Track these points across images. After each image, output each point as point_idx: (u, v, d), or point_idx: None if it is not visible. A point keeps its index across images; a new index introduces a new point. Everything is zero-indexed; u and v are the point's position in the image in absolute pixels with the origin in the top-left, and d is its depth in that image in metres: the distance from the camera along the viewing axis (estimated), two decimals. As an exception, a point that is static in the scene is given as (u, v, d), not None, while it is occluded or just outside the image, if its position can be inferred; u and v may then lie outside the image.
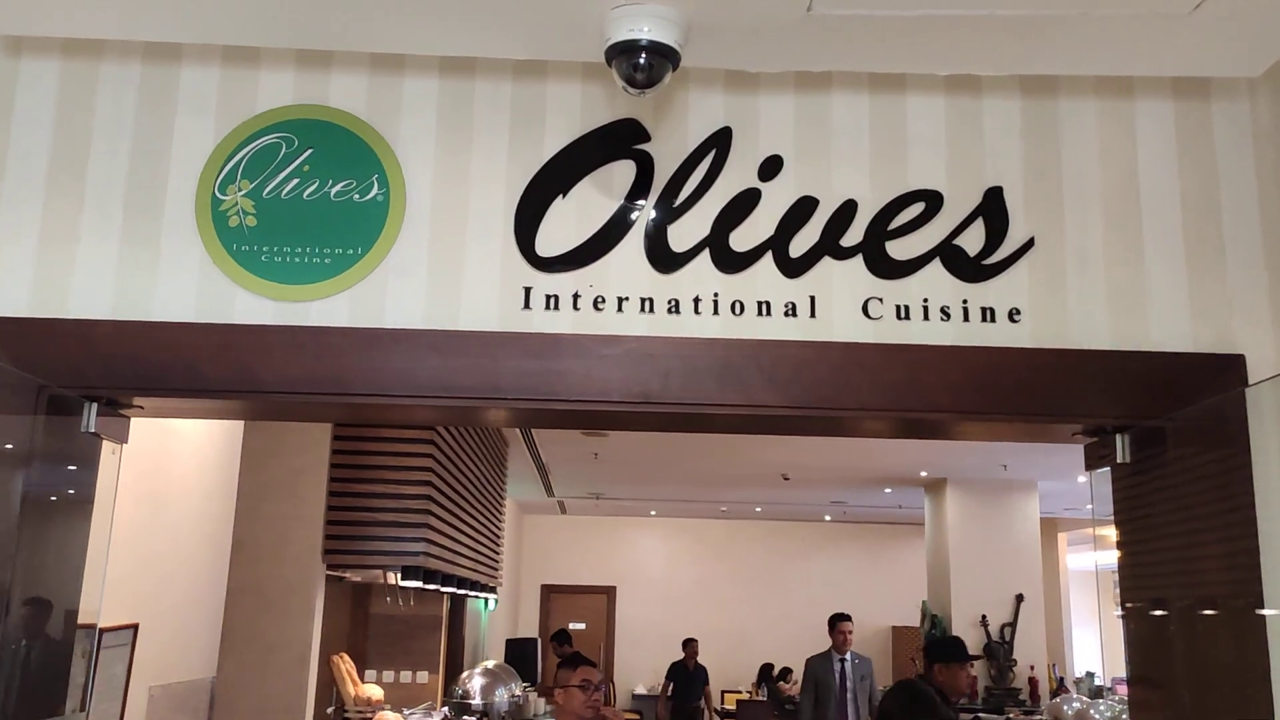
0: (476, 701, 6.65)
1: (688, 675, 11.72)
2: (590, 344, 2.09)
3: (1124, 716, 5.19)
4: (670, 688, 11.71)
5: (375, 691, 4.86)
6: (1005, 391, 2.09)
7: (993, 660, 10.04)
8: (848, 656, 6.97)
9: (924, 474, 10.72)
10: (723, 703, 14.31)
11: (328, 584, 7.51)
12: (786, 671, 14.83)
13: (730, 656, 15.57)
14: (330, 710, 4.84)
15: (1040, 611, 10.79)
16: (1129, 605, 2.22)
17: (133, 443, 2.77)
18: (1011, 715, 9.10)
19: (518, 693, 7.15)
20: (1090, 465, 2.23)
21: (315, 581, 4.70)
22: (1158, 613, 2.12)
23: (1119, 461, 2.10)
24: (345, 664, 4.85)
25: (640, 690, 15.20)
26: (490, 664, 7.57)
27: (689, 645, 11.94)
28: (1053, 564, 14.62)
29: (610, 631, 15.87)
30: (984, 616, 10.24)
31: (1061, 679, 10.77)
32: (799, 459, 10.08)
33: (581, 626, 15.72)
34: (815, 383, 2.09)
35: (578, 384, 2.07)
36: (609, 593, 16.29)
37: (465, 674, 7.03)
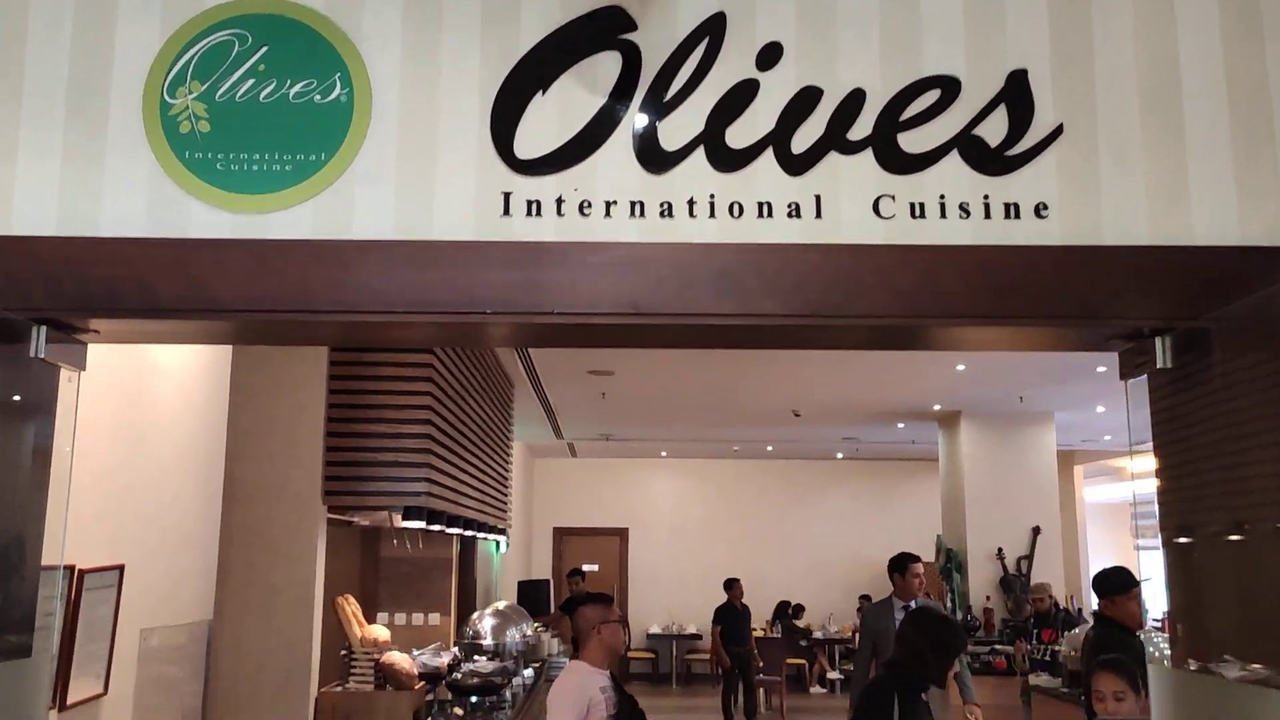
0: (488, 642, 6.60)
1: (736, 616, 11.40)
2: (576, 252, 1.91)
3: (1149, 648, 5.12)
4: (719, 631, 11.38)
5: (382, 632, 4.77)
6: (1032, 294, 1.91)
7: (1009, 593, 9.97)
8: (912, 604, 5.60)
9: (937, 407, 10.56)
10: (716, 637, 14.34)
11: (335, 528, 7.44)
12: (800, 608, 14.86)
13: (747, 595, 15.59)
14: (342, 654, 4.77)
15: (1058, 544, 10.70)
16: (1168, 530, 2.06)
17: (109, 376, 2.63)
18: (1029, 647, 9.04)
19: (529, 633, 7.10)
20: (1126, 374, 2.06)
21: (315, 523, 4.59)
22: (1201, 537, 1.96)
23: (1159, 367, 1.93)
24: (351, 605, 4.76)
25: (655, 629, 15.28)
26: (501, 605, 7.53)
27: (733, 586, 11.60)
28: (1069, 497, 14.51)
29: (623, 573, 15.91)
30: (1000, 550, 10.14)
31: (1080, 611, 10.69)
32: (809, 394, 9.93)
33: (594, 568, 15.73)
34: (822, 289, 1.92)
35: (563, 295, 1.90)
36: (621, 534, 16.30)
37: (476, 614, 6.98)
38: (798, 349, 2.17)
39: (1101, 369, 8.24)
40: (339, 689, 4.61)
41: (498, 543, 11.02)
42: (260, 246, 1.88)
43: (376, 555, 8.64)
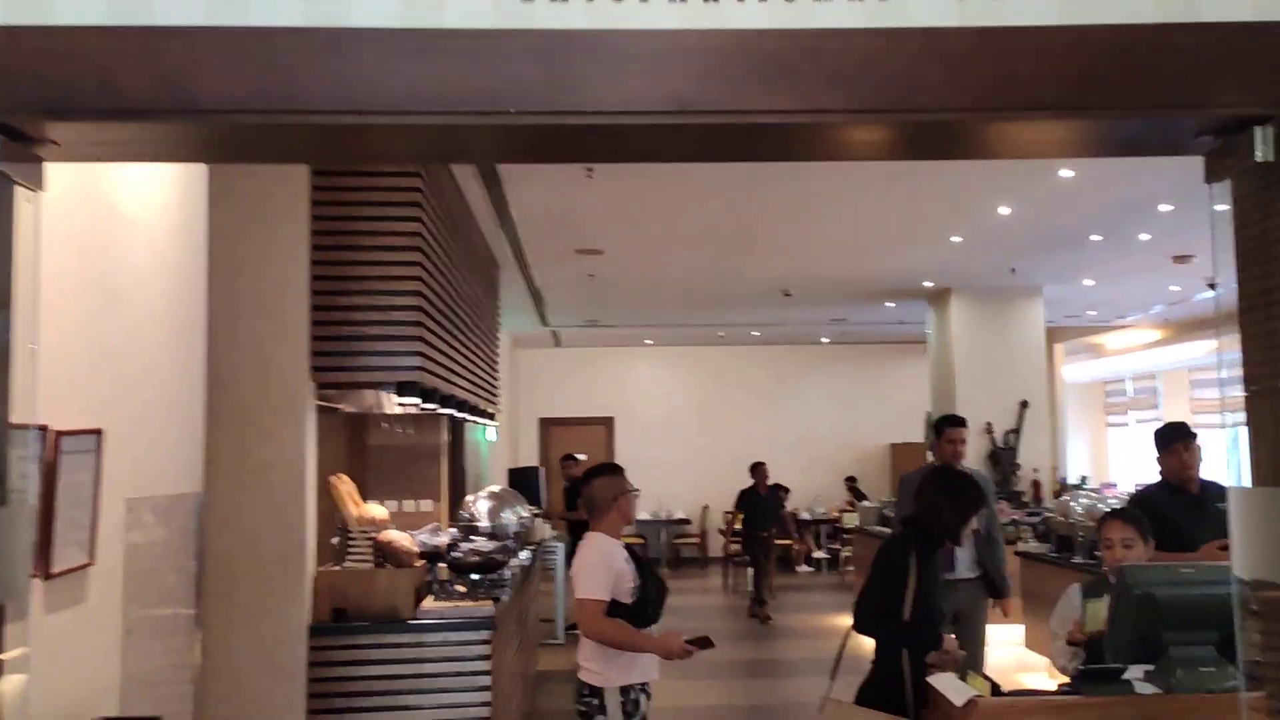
0: (484, 524, 6.51)
1: (760, 502, 11.12)
2: (609, 41, 1.67)
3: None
4: (739, 518, 11.19)
5: (379, 511, 4.63)
6: (1120, 80, 1.69)
7: (997, 466, 10.00)
8: None
9: (928, 284, 10.42)
10: (732, 523, 14.46)
11: (321, 415, 7.24)
12: (787, 491, 14.96)
13: (732, 481, 15.66)
14: (335, 541, 4.63)
15: (1045, 418, 10.73)
16: (1256, 386, 1.85)
17: (70, 223, 2.38)
18: (1015, 517, 9.10)
19: (524, 515, 7.01)
20: (1213, 175, 1.85)
21: (304, 400, 4.40)
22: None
23: (1257, 160, 1.72)
24: (345, 484, 4.60)
25: (643, 516, 15.36)
26: (495, 488, 7.42)
27: (758, 469, 11.30)
28: (1050, 376, 14.56)
29: (610, 460, 15.90)
30: (989, 424, 10.14)
31: (1064, 480, 10.78)
32: (800, 272, 9.74)
33: (583, 458, 15.73)
34: (886, 79, 1.69)
35: (594, 92, 1.66)
36: (607, 424, 16.28)
37: (470, 497, 6.87)
38: (854, 158, 1.94)
39: (1095, 237, 8.08)
40: (337, 569, 4.48)
41: (485, 430, 10.90)
42: (241, 35, 1.62)
43: (364, 444, 8.47)
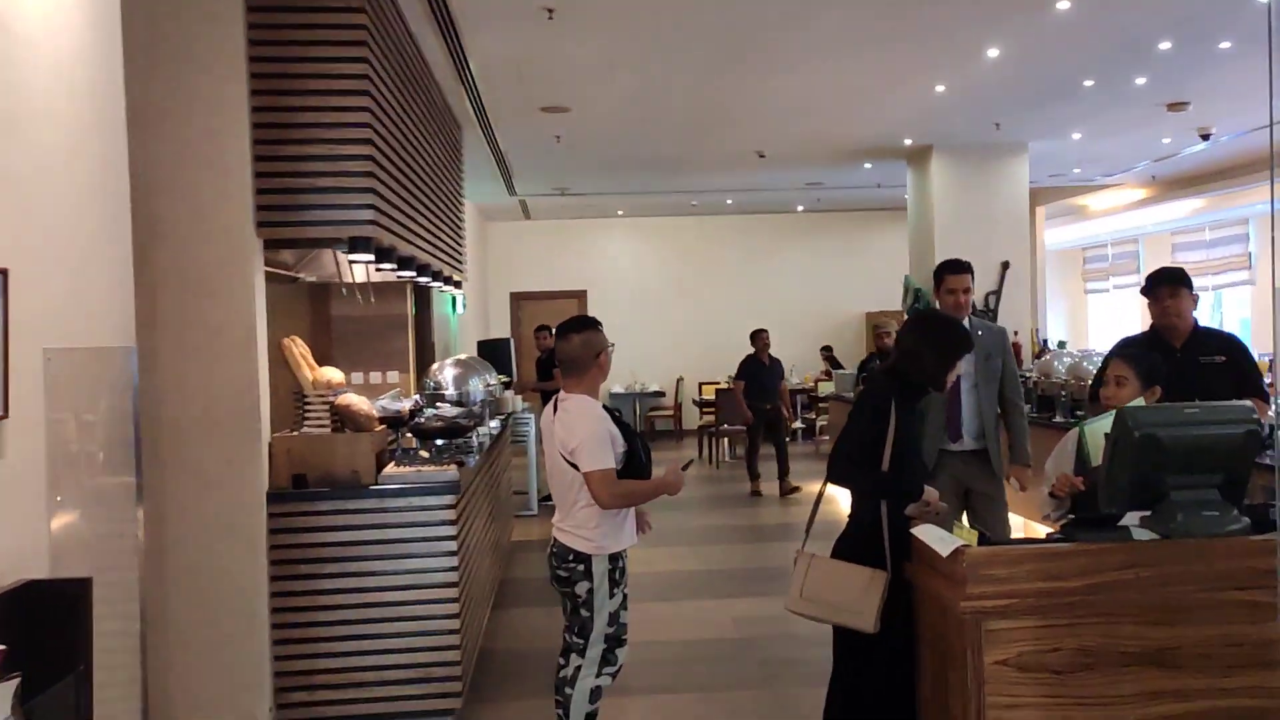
0: (450, 392, 6.31)
1: (762, 370, 10.46)
2: None
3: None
4: (743, 386, 10.44)
5: (335, 374, 4.42)
6: None
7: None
8: (965, 324, 4.31)
9: (908, 142, 10.09)
10: (701, 394, 14.42)
11: (280, 284, 6.95)
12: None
13: (707, 352, 15.59)
14: (295, 400, 4.42)
15: (1026, 280, 10.58)
16: None
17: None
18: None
19: (492, 383, 6.83)
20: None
21: (251, 257, 4.12)
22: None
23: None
24: (298, 347, 4.37)
25: (617, 389, 15.31)
26: (463, 356, 7.21)
27: (759, 336, 10.62)
28: (1031, 239, 14.36)
29: (584, 334, 15.70)
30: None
31: (1045, 341, 10.70)
32: (776, 133, 9.37)
33: (554, 329, 15.52)
34: None
35: None
36: (579, 297, 16.03)
37: (436, 365, 6.66)
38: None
39: (1088, 83, 7.75)
40: (294, 434, 4.28)
41: (454, 301, 10.65)
42: None
43: (327, 315, 8.23)
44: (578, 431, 3.62)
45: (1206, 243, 15.67)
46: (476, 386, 6.44)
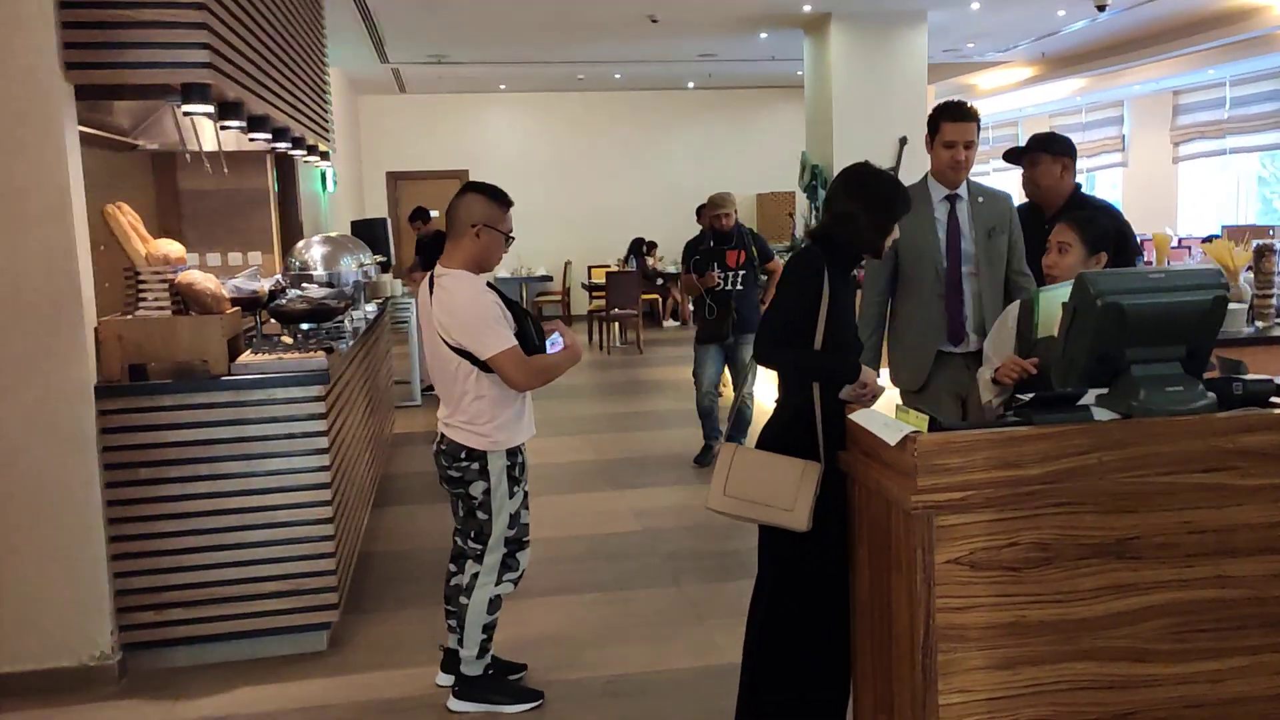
0: (319, 272, 5.69)
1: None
2: None
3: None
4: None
5: (173, 248, 3.77)
6: None
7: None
8: (962, 192, 3.55)
9: (807, 9, 9.57)
10: (590, 277, 13.94)
11: (120, 154, 6.10)
12: (653, 245, 14.46)
13: (596, 234, 15.07)
14: (128, 299, 3.75)
15: (924, 156, 10.29)
16: None
17: None
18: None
19: (367, 263, 6.21)
20: None
21: (58, 106, 3.41)
22: None
23: None
24: (125, 215, 3.70)
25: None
26: (333, 234, 6.55)
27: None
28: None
29: (466, 217, 14.96)
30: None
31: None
32: (670, -6, 8.73)
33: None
34: None
35: None
36: (461, 176, 15.19)
37: (302, 243, 6.00)
38: None
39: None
40: (127, 318, 3.66)
41: (324, 177, 9.82)
42: None
43: (175, 188, 7.39)
44: (462, 314, 3.15)
45: (1083, 125, 15.77)
46: (349, 266, 5.83)
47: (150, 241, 3.75)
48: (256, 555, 3.69)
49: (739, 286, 6.35)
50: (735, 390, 6.38)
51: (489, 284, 3.28)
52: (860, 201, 2.81)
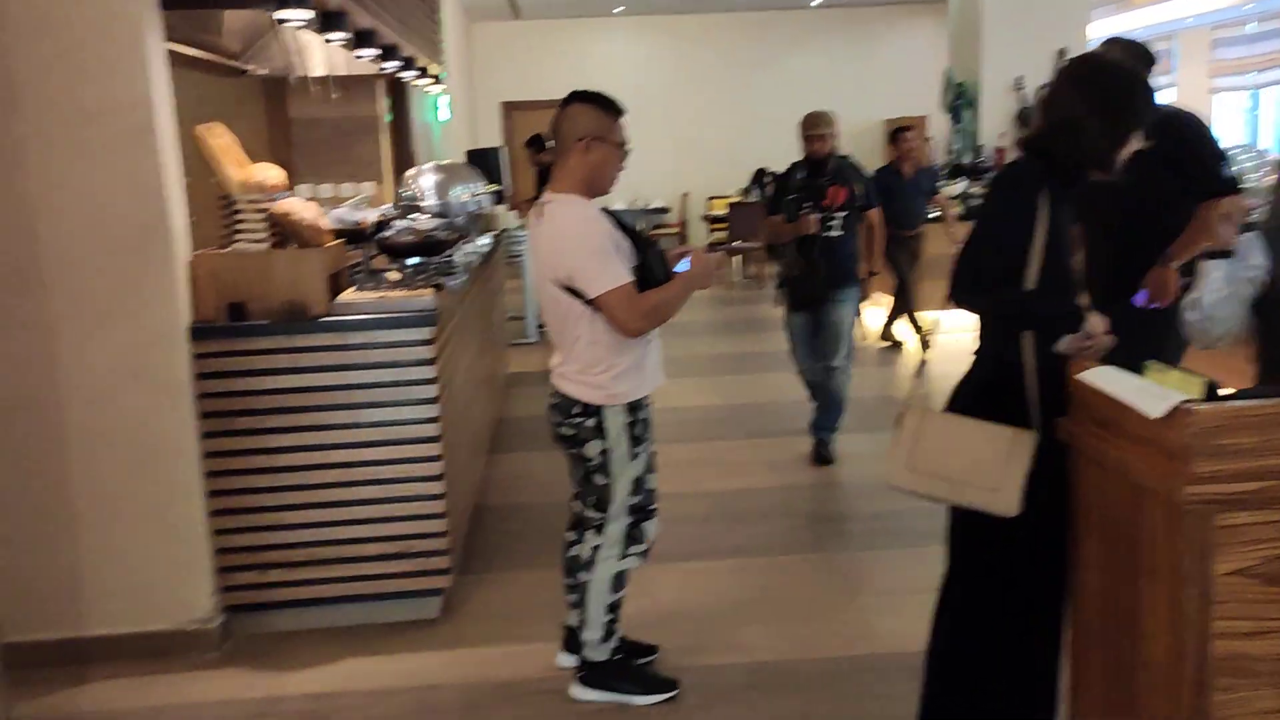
0: (429, 202, 5.31)
1: (903, 185, 7.25)
2: None
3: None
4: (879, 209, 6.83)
5: (271, 173, 3.40)
6: None
7: (1027, 128, 8.72)
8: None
9: (956, -91, 8.66)
10: (710, 209, 13.34)
11: (228, 80, 5.80)
12: (775, 175, 13.74)
13: (715, 165, 14.42)
14: (223, 231, 3.38)
15: (1083, 71, 9.32)
16: None
17: None
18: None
19: (481, 193, 5.80)
20: None
21: (141, 13, 3.04)
22: None
23: None
24: (219, 137, 3.34)
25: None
26: (445, 162, 6.15)
27: (900, 137, 7.43)
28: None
29: (581, 148, 14.48)
30: (1019, 79, 8.75)
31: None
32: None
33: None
34: None
35: None
36: (577, 106, 14.69)
37: (412, 171, 5.62)
38: None
39: None
40: (222, 252, 3.32)
41: (435, 105, 9.46)
42: None
43: (285, 117, 7.12)
44: (569, 245, 2.69)
45: (1248, 38, 14.25)
46: (462, 195, 5.43)
47: (246, 166, 3.39)
48: (361, 514, 3.36)
49: (839, 232, 4.91)
50: (824, 366, 5.01)
51: (605, 211, 2.81)
52: (1090, 103, 2.21)
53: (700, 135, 14.62)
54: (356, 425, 3.32)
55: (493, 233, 6.91)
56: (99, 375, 3.15)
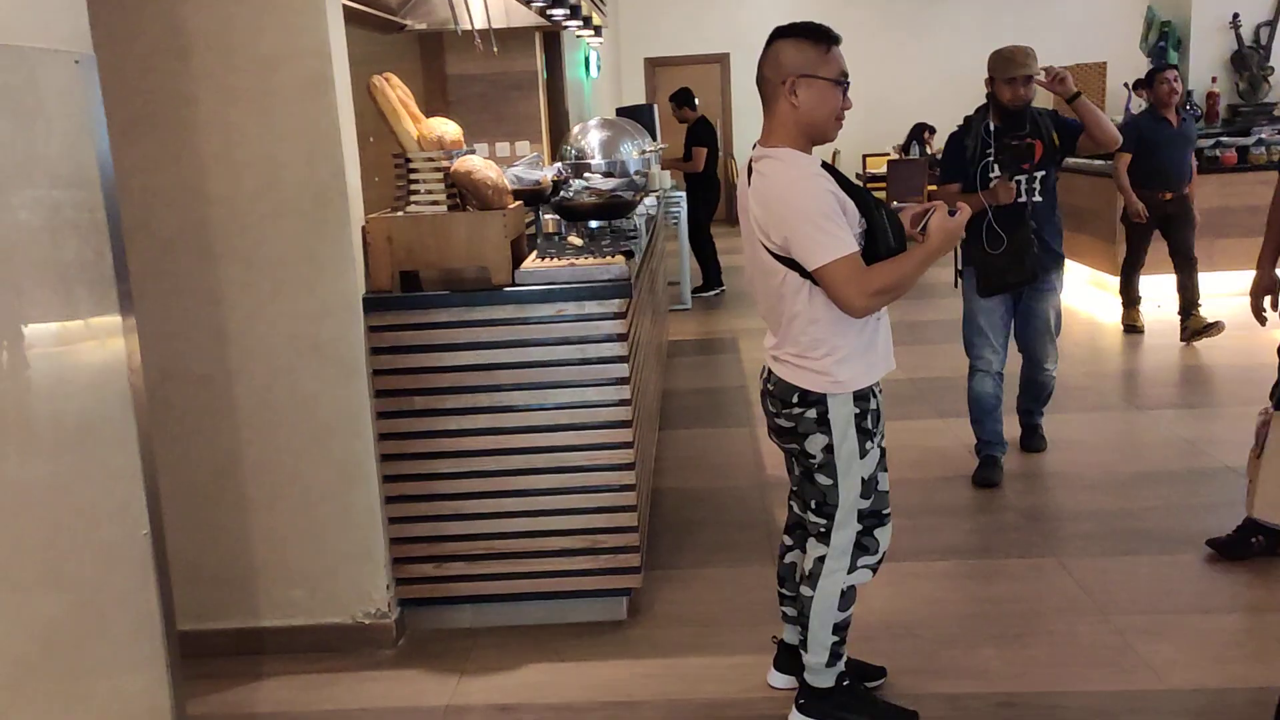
0: (597, 160, 4.97)
1: (1165, 134, 6.04)
2: None
3: None
4: (1128, 161, 6.04)
5: (448, 128, 3.08)
6: None
7: (1242, 71, 7.79)
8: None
9: None
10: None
11: (383, 35, 5.56)
12: (933, 131, 12.93)
13: (868, 121, 13.67)
14: (397, 191, 3.09)
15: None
16: None
17: None
18: (1263, 135, 7.08)
19: (648, 150, 5.42)
20: None
21: (313, -49, 2.75)
22: None
23: None
24: (395, 89, 3.04)
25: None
26: (609, 118, 5.79)
27: (1157, 81, 6.09)
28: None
29: (726, 106, 14.04)
30: (1235, 16, 7.82)
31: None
32: None
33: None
34: None
35: None
36: (722, 61, 14.22)
37: (578, 128, 5.27)
38: None
39: None
40: (397, 215, 3.03)
41: (588, 61, 9.13)
42: None
43: (442, 72, 6.88)
44: (783, 207, 2.29)
45: None
46: (630, 153, 5.06)
47: (422, 121, 3.09)
48: (546, 505, 3.05)
49: (1039, 198, 4.01)
50: (1029, 364, 4.33)
51: (825, 166, 2.39)
52: None
53: (855, 90, 13.87)
54: (541, 407, 3.00)
55: (654, 192, 6.54)
56: (272, 349, 2.92)
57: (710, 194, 8.85)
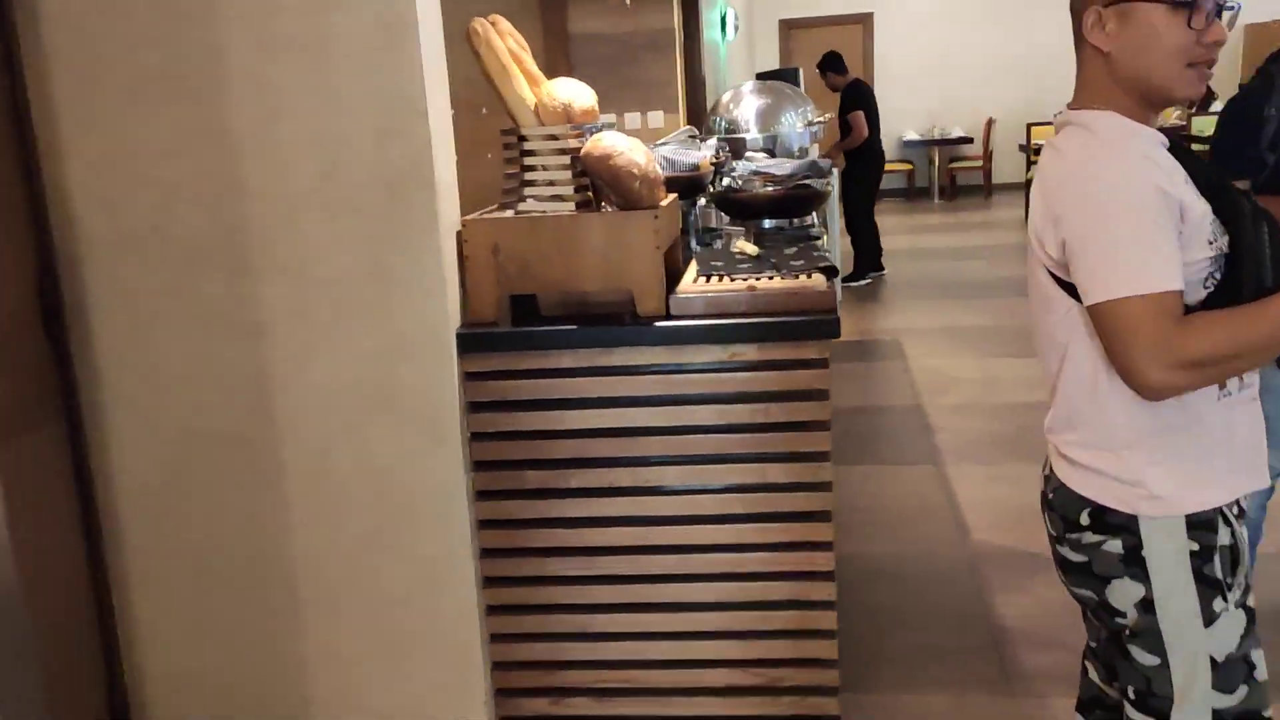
0: (753, 134, 4.03)
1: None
2: None
3: None
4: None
5: (579, 93, 2.16)
6: None
7: None
8: None
9: None
10: (1030, 138, 11.31)
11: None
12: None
13: (1028, 85, 12.31)
14: (508, 184, 2.17)
15: None
16: None
17: None
18: None
19: (816, 121, 4.42)
20: None
21: None
22: None
23: None
24: (505, 38, 2.12)
25: (911, 136, 12.52)
26: (761, 83, 4.82)
27: None
28: None
29: (868, 69, 12.88)
30: None
31: None
32: None
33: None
34: None
35: None
36: (864, 21, 13.06)
37: (728, 95, 4.33)
38: None
39: None
40: (505, 215, 2.16)
41: (724, 21, 8.15)
42: None
43: (564, 31, 6.02)
44: (1069, 199, 1.41)
45: None
46: (793, 125, 4.10)
47: (542, 83, 2.20)
48: (704, 624, 2.15)
49: None
50: None
51: (1175, 147, 1.44)
52: None
53: (1010, 50, 12.53)
54: (705, 490, 2.10)
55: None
56: (331, 401, 2.09)
57: (872, 167, 7.77)
